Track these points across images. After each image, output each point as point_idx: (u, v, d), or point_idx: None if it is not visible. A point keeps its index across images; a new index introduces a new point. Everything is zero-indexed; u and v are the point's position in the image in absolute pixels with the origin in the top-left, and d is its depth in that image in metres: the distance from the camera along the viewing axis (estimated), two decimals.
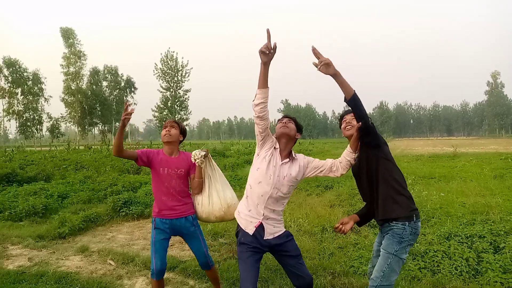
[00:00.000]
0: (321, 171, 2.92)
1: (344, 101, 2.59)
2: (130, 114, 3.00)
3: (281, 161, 2.82)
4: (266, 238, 2.78)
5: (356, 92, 2.55)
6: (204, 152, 3.30)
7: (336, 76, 2.52)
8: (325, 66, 2.49)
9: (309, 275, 2.85)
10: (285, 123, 2.90)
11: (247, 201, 2.86)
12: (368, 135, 2.68)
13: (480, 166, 13.97)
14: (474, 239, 4.74)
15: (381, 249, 2.71)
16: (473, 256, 4.31)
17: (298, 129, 2.95)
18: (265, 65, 2.55)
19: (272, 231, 2.82)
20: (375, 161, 2.72)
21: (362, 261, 4.45)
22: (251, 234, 2.78)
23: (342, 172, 2.88)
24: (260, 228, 2.78)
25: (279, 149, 2.85)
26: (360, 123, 2.62)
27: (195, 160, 3.25)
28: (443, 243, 4.73)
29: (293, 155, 2.90)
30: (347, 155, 2.81)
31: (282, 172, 2.79)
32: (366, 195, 2.89)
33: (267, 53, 2.51)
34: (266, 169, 2.76)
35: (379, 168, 2.71)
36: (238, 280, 4.11)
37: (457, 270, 4.11)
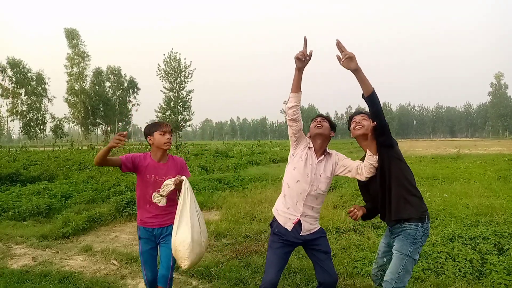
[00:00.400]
0: (349, 171, 2.94)
1: (362, 97, 2.61)
2: (120, 142, 2.79)
3: (317, 159, 2.90)
4: (302, 234, 2.87)
5: (375, 90, 2.56)
6: (172, 188, 3.01)
7: (357, 71, 2.55)
8: (348, 60, 2.52)
9: (335, 274, 2.90)
10: (319, 122, 2.96)
11: (285, 199, 2.94)
12: (383, 134, 2.67)
13: (484, 167, 13.92)
14: (478, 241, 4.72)
15: (394, 251, 2.70)
16: (477, 258, 4.29)
17: (332, 128, 3.02)
18: (299, 70, 2.66)
19: (309, 228, 2.90)
20: (388, 160, 2.71)
21: (366, 262, 4.45)
22: (289, 230, 2.86)
23: (366, 175, 2.84)
24: (298, 225, 2.87)
25: (313, 148, 2.92)
26: (375, 122, 2.61)
27: (160, 195, 3.01)
28: (446, 244, 4.72)
29: (328, 151, 2.99)
30: (369, 158, 2.80)
31: (319, 169, 2.89)
32: (374, 195, 2.89)
33: (303, 60, 2.59)
34: (304, 168, 2.85)
35: (392, 168, 2.70)
36: (241, 281, 4.12)
37: (461, 271, 4.10)
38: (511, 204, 6.91)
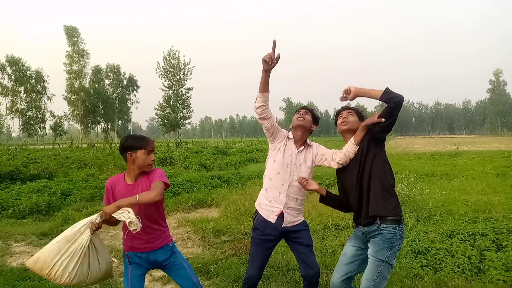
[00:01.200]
0: (325, 159, 2.95)
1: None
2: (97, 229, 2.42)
3: (297, 149, 2.95)
4: (284, 225, 2.89)
5: (387, 88, 2.57)
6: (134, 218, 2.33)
7: (360, 95, 2.66)
8: (348, 94, 2.69)
9: (316, 266, 2.90)
10: (302, 114, 3.00)
11: (267, 192, 2.98)
12: (386, 130, 2.62)
13: (482, 164, 13.94)
14: (476, 237, 4.74)
15: (370, 256, 2.57)
16: (476, 254, 4.31)
17: (314, 121, 3.04)
18: (266, 72, 2.68)
19: (291, 220, 2.91)
20: (371, 157, 2.64)
21: None
22: (273, 223, 2.88)
23: (338, 161, 2.80)
24: (281, 217, 2.89)
25: (293, 139, 2.97)
26: (383, 119, 2.56)
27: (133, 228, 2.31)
28: (445, 241, 4.73)
29: (308, 143, 3.02)
30: (349, 146, 2.75)
31: (299, 159, 2.93)
32: (347, 188, 2.82)
33: (270, 63, 2.60)
34: (282, 159, 2.91)
35: (374, 165, 2.63)
36: (240, 278, 4.12)
37: (459, 268, 4.11)
38: (509, 200, 6.93)
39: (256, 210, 3.02)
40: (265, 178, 3.04)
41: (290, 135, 3.00)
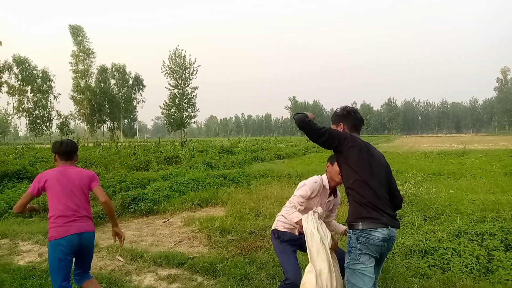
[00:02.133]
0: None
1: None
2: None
3: (327, 199, 3.23)
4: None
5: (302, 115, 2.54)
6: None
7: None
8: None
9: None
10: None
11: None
12: (320, 144, 2.57)
13: (490, 163, 13.82)
14: (484, 237, 4.68)
15: None
16: (484, 254, 4.26)
17: None
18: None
19: None
20: (339, 165, 2.67)
21: None
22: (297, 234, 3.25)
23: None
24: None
25: (328, 188, 3.19)
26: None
27: None
28: (453, 240, 4.68)
29: (337, 192, 3.35)
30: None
31: (326, 207, 3.27)
32: None
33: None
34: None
35: (342, 173, 2.67)
36: (246, 277, 4.11)
37: (467, 267, 4.07)
38: None
39: (277, 229, 3.34)
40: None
41: (326, 183, 3.16)
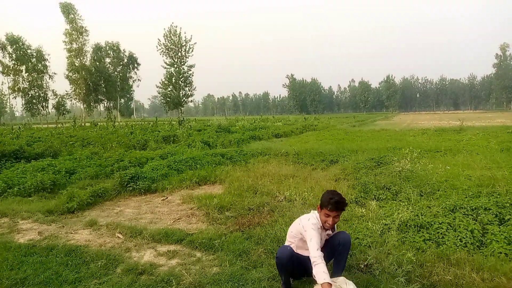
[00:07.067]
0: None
1: None
2: None
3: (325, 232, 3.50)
4: None
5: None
6: None
7: None
8: None
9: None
10: (333, 221, 3.32)
11: None
12: None
13: (487, 139, 13.86)
14: (479, 211, 4.74)
15: None
16: (478, 228, 4.33)
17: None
18: None
19: None
20: None
21: (367, 233, 4.49)
22: None
23: None
24: None
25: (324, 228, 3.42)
26: None
27: None
28: (448, 215, 4.74)
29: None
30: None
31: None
32: None
33: None
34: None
35: None
36: (244, 252, 4.18)
37: (461, 241, 4.13)
38: None
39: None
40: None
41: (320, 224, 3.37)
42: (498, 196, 5.27)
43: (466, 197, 5.42)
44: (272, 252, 4.14)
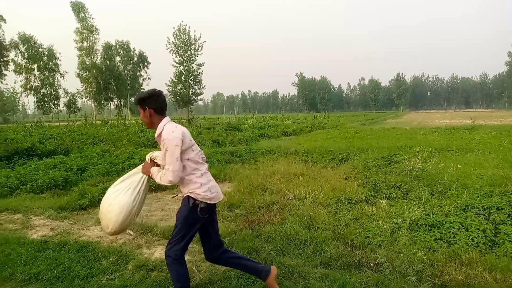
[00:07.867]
0: None
1: None
2: None
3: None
4: None
5: None
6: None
7: None
8: None
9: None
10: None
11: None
12: None
13: (499, 138, 13.67)
14: (491, 211, 4.69)
15: None
16: (490, 228, 4.28)
17: (142, 106, 3.11)
18: None
19: None
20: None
21: (377, 231, 4.47)
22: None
23: None
24: None
25: None
26: None
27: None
28: (459, 214, 4.70)
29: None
30: None
31: None
32: None
33: None
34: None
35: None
36: (254, 250, 4.19)
37: (473, 241, 4.09)
38: None
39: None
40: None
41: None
42: (511, 196, 5.20)
43: (478, 197, 5.36)
44: (282, 250, 4.15)
